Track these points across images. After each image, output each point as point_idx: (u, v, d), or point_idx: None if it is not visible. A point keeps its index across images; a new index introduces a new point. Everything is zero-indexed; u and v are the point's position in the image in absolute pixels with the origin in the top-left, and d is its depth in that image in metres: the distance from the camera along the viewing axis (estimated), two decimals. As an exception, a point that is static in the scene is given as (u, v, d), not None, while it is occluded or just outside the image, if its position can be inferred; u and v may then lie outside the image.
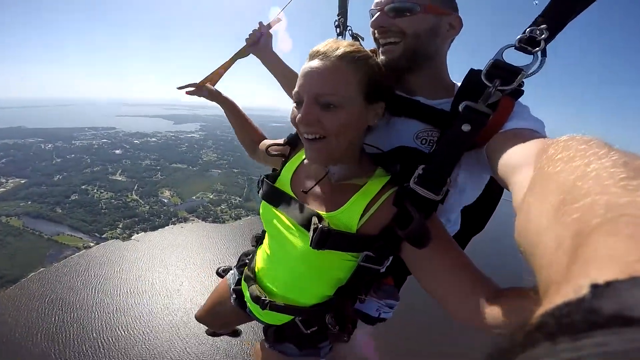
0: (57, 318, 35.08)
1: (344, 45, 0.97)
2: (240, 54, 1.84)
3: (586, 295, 0.18)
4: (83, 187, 75.47)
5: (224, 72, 1.79)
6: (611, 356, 0.14)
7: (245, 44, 1.82)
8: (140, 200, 71.56)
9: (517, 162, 0.68)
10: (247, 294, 1.33)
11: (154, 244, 53.52)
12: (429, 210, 0.93)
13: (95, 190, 75.03)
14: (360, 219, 1.00)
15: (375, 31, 1.11)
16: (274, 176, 1.28)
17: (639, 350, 0.14)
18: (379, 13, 1.08)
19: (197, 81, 1.73)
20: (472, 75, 0.99)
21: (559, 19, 0.86)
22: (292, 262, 1.14)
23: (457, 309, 0.84)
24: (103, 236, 55.78)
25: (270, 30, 1.80)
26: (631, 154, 0.35)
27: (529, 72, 0.89)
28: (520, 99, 0.97)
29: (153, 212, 66.06)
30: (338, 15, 1.60)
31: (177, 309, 37.29)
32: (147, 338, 32.59)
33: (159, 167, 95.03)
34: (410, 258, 0.96)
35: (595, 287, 0.18)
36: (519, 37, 0.89)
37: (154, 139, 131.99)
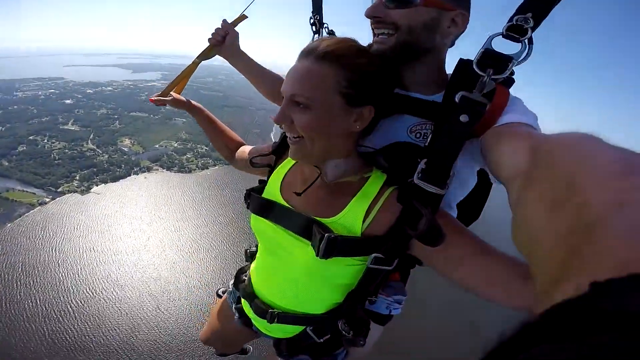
0: (19, 283, 33.08)
1: (329, 42, 0.93)
2: (204, 56, 1.68)
3: (586, 294, 0.18)
4: (31, 137, 68.87)
5: (188, 78, 1.71)
6: (612, 354, 0.14)
7: (208, 44, 1.66)
8: (98, 150, 66.80)
9: (513, 160, 0.67)
10: (250, 312, 1.30)
11: (116, 196, 50.66)
12: (435, 205, 0.91)
13: (45, 141, 68.82)
14: (363, 222, 0.97)
15: (371, 22, 1.06)
16: (260, 188, 1.24)
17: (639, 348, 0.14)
18: (376, 1, 1.03)
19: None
20: (462, 65, 0.97)
21: (544, 6, 0.85)
22: (296, 274, 1.11)
23: (503, 296, 0.80)
24: (59, 190, 51.65)
25: (236, 28, 1.64)
26: (627, 150, 0.35)
27: (519, 60, 0.88)
28: (511, 90, 0.97)
29: (113, 161, 62.02)
30: (313, 13, 1.54)
31: (146, 265, 36.28)
32: (117, 297, 31.66)
33: (116, 116, 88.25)
34: (425, 255, 0.95)
35: (595, 286, 0.18)
36: (506, 25, 0.87)
37: (109, 88, 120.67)
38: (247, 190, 1.24)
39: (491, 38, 0.89)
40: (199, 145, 73.35)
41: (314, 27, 1.55)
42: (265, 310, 1.19)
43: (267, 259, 1.22)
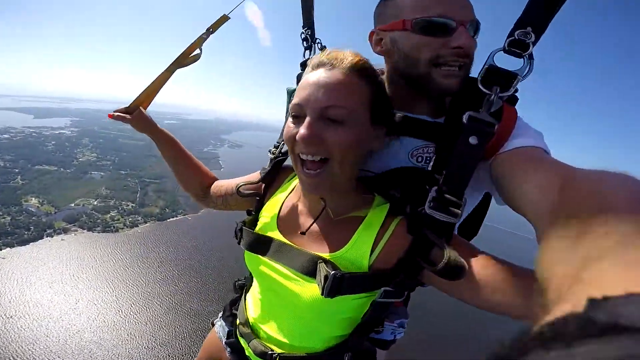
0: None
1: (353, 55, 0.89)
2: (179, 63, 1.39)
3: (583, 308, 0.18)
4: None
5: (158, 90, 1.40)
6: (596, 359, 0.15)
7: (182, 51, 1.40)
8: (-3, 211, 59.19)
9: (539, 198, 0.65)
10: (249, 351, 1.17)
11: (27, 260, 46.33)
12: (449, 234, 0.86)
13: None
14: (370, 255, 0.91)
15: (449, 55, 0.91)
16: (252, 220, 1.18)
17: (631, 357, 0.14)
18: (463, 30, 0.89)
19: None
20: (465, 83, 0.95)
21: (543, 18, 0.84)
22: (299, 312, 1.01)
23: (519, 308, 0.74)
24: (-50, 257, 44.91)
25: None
26: None
27: (523, 76, 0.85)
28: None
29: (18, 224, 55.86)
30: (304, 28, 1.41)
31: (82, 329, 34.41)
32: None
33: (17, 170, 79.02)
34: (439, 283, 0.87)
35: (592, 301, 0.19)
36: (507, 40, 0.85)
37: (5, 136, 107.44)
38: (238, 222, 1.17)
39: (493, 54, 0.87)
40: (123, 202, 70.54)
41: (305, 43, 1.42)
42: (265, 352, 1.09)
43: (265, 295, 1.13)
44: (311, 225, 1.01)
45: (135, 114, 1.38)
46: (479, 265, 0.81)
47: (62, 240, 53.63)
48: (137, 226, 62.18)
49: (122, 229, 60.59)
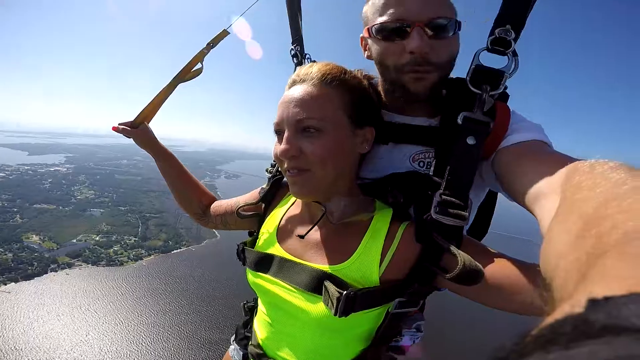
0: None
1: (320, 65, 0.91)
2: (182, 77, 1.39)
3: (582, 308, 0.18)
4: None
5: (160, 105, 1.40)
6: None
7: (185, 65, 1.39)
8: (-1, 248, 59.04)
9: (540, 190, 0.65)
10: None
11: (33, 294, 46.63)
12: (458, 238, 0.85)
13: None
14: (380, 266, 0.88)
15: (406, 56, 0.90)
16: (253, 240, 1.17)
17: (630, 358, 0.14)
18: (418, 32, 0.86)
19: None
20: (454, 85, 0.95)
21: (519, 15, 0.85)
22: (309, 329, 0.97)
23: (530, 308, 0.72)
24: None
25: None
26: None
27: (510, 73, 0.86)
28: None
29: (21, 259, 56.14)
30: (293, 44, 1.42)
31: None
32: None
33: (16, 209, 79.01)
34: (455, 288, 0.85)
35: (592, 301, 0.18)
36: (489, 38, 0.86)
37: (1, 174, 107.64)
38: (239, 244, 1.17)
39: (478, 53, 0.87)
40: (125, 237, 71.07)
41: (295, 59, 1.43)
42: None
43: (272, 313, 1.07)
44: (311, 228, 0.99)
45: (141, 128, 1.37)
46: (496, 267, 0.79)
47: (66, 274, 54.01)
48: (142, 259, 62.88)
49: (127, 262, 61.18)
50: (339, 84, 0.90)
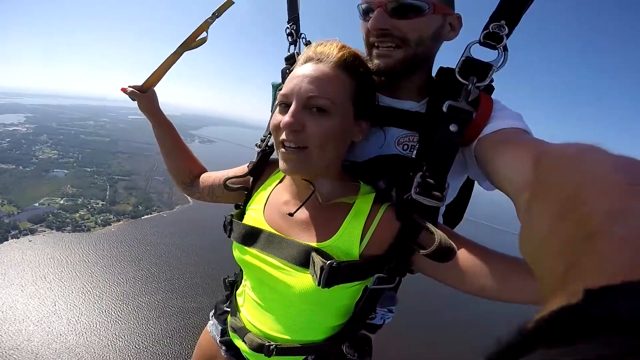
0: None
1: (339, 49, 0.94)
2: (187, 45, 1.40)
3: (579, 301, 0.18)
4: None
5: (167, 70, 1.41)
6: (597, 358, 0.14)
7: (188, 35, 1.39)
8: (-48, 213, 55.46)
9: (517, 173, 0.67)
10: (242, 346, 1.17)
11: (-6, 262, 44.18)
12: (434, 218, 0.92)
13: None
14: (361, 242, 0.94)
15: (371, 33, 0.99)
16: (240, 213, 1.20)
17: (631, 354, 0.14)
18: (378, 11, 0.95)
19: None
20: (444, 74, 1.01)
21: (515, 12, 0.88)
22: (292, 304, 1.03)
23: (501, 292, 0.80)
24: None
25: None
26: (630, 158, 0.35)
27: (497, 67, 0.90)
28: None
29: (-22, 225, 52.78)
30: (289, 22, 1.39)
31: (64, 332, 33.91)
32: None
33: (-30, 169, 73.55)
34: (429, 268, 0.93)
35: (588, 293, 0.18)
36: (482, 32, 0.90)
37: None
38: (227, 216, 1.18)
39: (470, 46, 0.91)
40: (92, 200, 68.16)
41: (289, 37, 1.40)
42: (261, 345, 1.07)
43: (256, 289, 1.12)
44: (299, 207, 1.02)
45: (150, 93, 1.38)
46: (463, 251, 0.87)
47: (29, 241, 51.41)
48: (110, 224, 60.55)
49: (95, 227, 58.82)
50: (353, 72, 0.93)
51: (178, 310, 39.45)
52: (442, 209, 1.19)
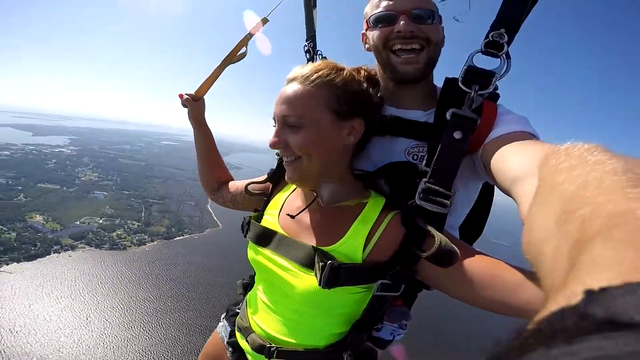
0: None
1: (310, 67, 1.00)
2: (229, 60, 1.50)
3: (579, 301, 0.18)
4: None
5: (213, 82, 1.52)
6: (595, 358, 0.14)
7: (232, 49, 1.49)
8: (2, 227, 59.17)
9: (519, 173, 0.67)
10: (246, 346, 1.19)
11: (34, 275, 46.58)
12: (440, 224, 0.92)
13: None
14: (364, 248, 0.96)
15: (396, 39, 1.06)
16: (259, 216, 1.24)
17: (632, 354, 0.14)
18: (403, 17, 1.04)
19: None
20: (449, 84, 1.03)
21: (514, 21, 0.92)
22: (297, 306, 1.05)
23: (512, 304, 0.75)
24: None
25: (252, 32, 1.50)
26: (634, 160, 0.35)
27: (501, 74, 0.93)
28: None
29: (24, 239, 56.21)
30: (307, 40, 1.53)
31: (94, 345, 34.41)
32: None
33: (20, 187, 79.22)
34: (434, 276, 0.92)
35: (588, 293, 0.18)
36: (483, 41, 0.94)
37: (6, 153, 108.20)
38: (245, 217, 1.25)
39: (472, 55, 0.95)
40: (129, 221, 71.07)
41: (307, 55, 1.52)
42: (262, 345, 1.10)
43: (266, 291, 1.16)
44: (302, 211, 1.09)
45: (200, 102, 1.50)
46: (470, 261, 0.84)
47: (69, 256, 54.04)
48: (145, 244, 63.00)
49: (130, 247, 61.31)
50: (323, 83, 0.97)
51: (205, 328, 39.22)
52: (458, 221, 1.22)
